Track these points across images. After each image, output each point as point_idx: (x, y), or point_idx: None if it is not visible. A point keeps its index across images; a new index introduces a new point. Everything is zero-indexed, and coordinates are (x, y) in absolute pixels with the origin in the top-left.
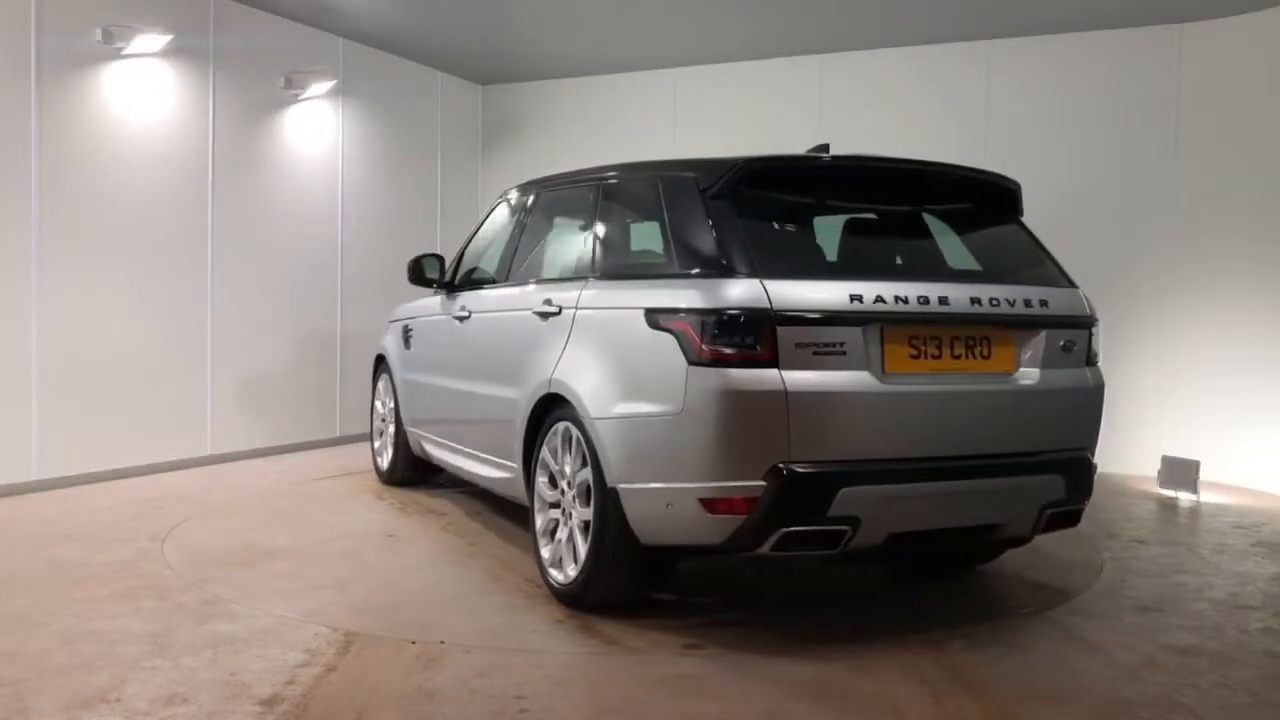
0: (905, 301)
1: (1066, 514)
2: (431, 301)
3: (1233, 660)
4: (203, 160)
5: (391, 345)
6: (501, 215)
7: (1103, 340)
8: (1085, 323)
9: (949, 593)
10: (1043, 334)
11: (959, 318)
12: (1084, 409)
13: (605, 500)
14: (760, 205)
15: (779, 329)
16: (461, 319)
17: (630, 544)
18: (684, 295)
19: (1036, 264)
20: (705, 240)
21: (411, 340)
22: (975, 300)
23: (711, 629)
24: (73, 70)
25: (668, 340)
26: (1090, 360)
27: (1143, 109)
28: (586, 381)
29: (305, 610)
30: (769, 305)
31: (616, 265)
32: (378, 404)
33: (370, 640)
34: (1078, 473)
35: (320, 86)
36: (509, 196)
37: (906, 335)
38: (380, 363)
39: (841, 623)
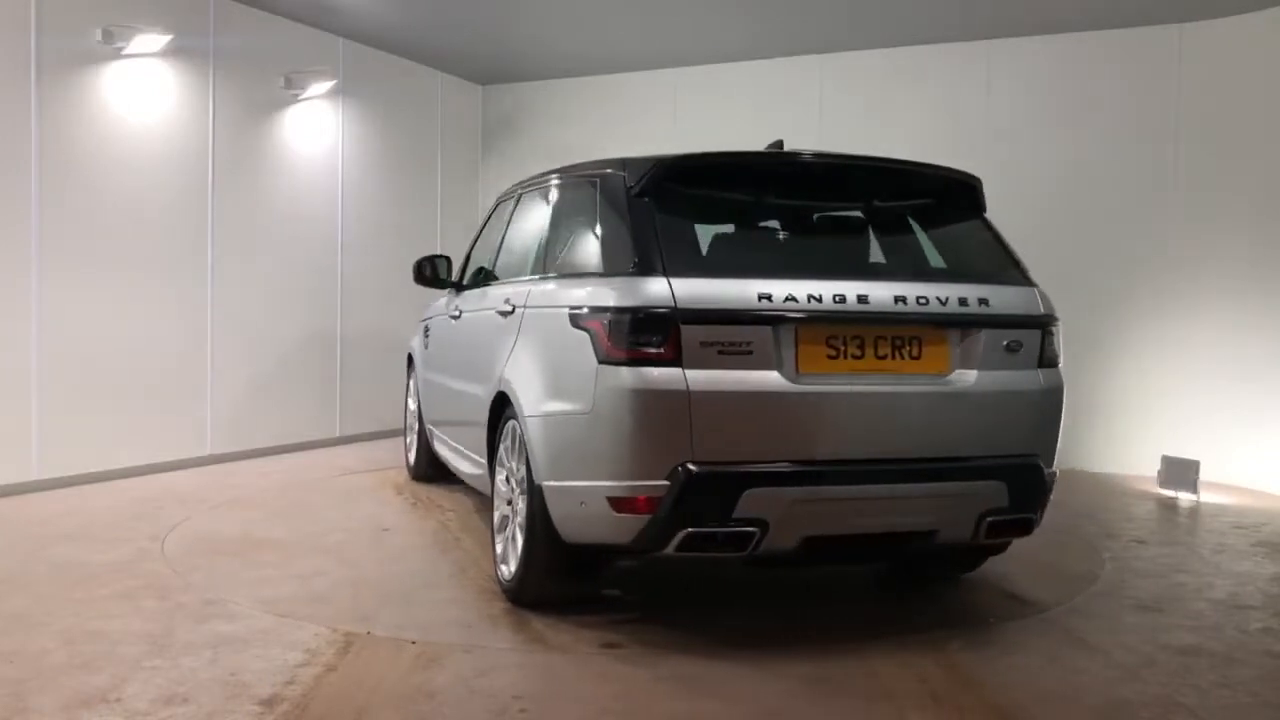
0: (819, 300)
1: (1012, 523)
2: (441, 302)
3: (1233, 660)
4: (203, 160)
5: (416, 344)
6: (494, 216)
7: (1103, 341)
8: (1036, 322)
9: (947, 594)
10: (981, 333)
11: (881, 317)
12: (1032, 413)
13: (533, 498)
14: (685, 203)
15: (683, 328)
16: (455, 318)
17: (556, 541)
18: (597, 294)
19: (990, 261)
20: (624, 239)
21: (428, 339)
22: (900, 299)
23: (657, 627)
24: (72, 70)
25: (584, 339)
26: (1045, 361)
27: (1142, 109)
28: (524, 380)
29: (261, 599)
30: (673, 305)
31: (559, 264)
32: (410, 401)
33: (370, 640)
34: (1024, 480)
35: (320, 86)
36: (501, 197)
37: (824, 335)
38: (410, 361)
39: (841, 623)
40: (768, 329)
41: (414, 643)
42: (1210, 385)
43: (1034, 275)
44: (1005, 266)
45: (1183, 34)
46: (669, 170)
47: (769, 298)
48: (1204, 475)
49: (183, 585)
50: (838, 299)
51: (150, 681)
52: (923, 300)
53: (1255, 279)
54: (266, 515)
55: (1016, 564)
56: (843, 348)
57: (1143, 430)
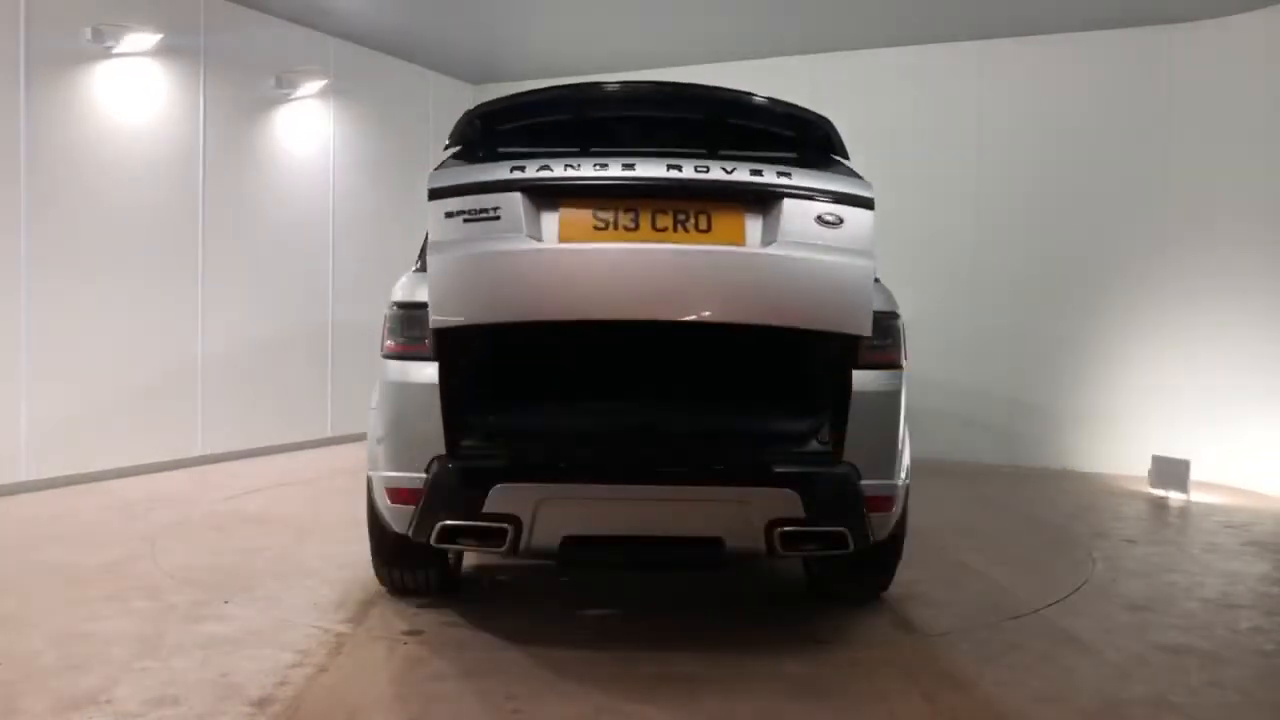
0: (577, 169)
1: (816, 536)
2: None
3: (1223, 659)
4: (193, 160)
5: None
6: None
7: (1094, 341)
8: (858, 200)
9: (938, 593)
10: (783, 204)
11: (652, 184)
12: (856, 288)
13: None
14: (492, 154)
15: (430, 205)
16: None
17: (384, 531)
18: (391, 291)
19: (818, 162)
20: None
21: None
22: (674, 167)
23: (640, 627)
24: (62, 69)
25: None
26: (872, 358)
27: (1135, 109)
28: None
29: (253, 599)
30: (429, 300)
31: None
32: None
33: (361, 640)
34: (821, 489)
35: (311, 86)
36: None
37: (589, 206)
38: None
39: (832, 623)
40: (517, 195)
41: (406, 643)
42: (1201, 385)
43: (1026, 275)
44: (836, 167)
45: (1174, 35)
46: (477, 120)
47: (521, 169)
48: (1194, 475)
49: (173, 586)
50: (599, 166)
51: (141, 683)
52: (703, 169)
53: (1246, 279)
54: (258, 515)
55: (1007, 564)
56: (613, 219)
57: (1133, 430)
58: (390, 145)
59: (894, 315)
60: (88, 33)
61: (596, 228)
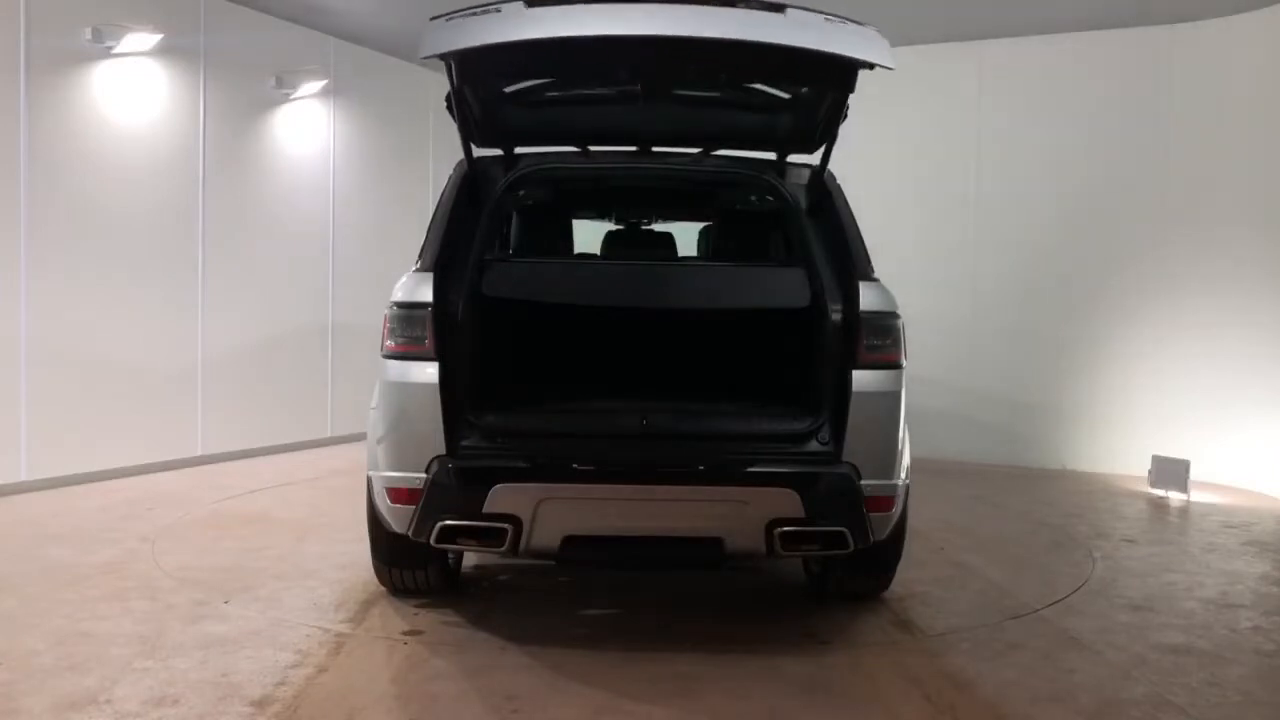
0: None
1: (815, 536)
2: None
3: (1222, 659)
4: (193, 161)
5: None
6: None
7: (1094, 340)
8: (864, 22)
9: (938, 594)
10: (787, 10)
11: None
12: (867, 31)
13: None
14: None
15: (430, 23)
16: None
17: (384, 531)
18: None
19: None
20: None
21: None
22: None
23: (633, 630)
24: (62, 69)
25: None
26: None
27: (1134, 108)
28: None
29: (255, 599)
30: (430, 300)
31: None
32: None
33: (361, 641)
34: (820, 487)
35: (311, 86)
36: None
37: None
38: None
39: (832, 623)
40: (519, 3)
41: (406, 643)
42: (1201, 385)
43: (1025, 275)
44: None
45: (1173, 35)
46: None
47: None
48: (1194, 475)
49: (173, 586)
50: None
51: (140, 683)
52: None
53: (1246, 278)
54: (258, 515)
55: (1007, 564)
56: None
57: (1133, 430)
58: (390, 145)
59: (894, 315)
60: (88, 33)
61: None
